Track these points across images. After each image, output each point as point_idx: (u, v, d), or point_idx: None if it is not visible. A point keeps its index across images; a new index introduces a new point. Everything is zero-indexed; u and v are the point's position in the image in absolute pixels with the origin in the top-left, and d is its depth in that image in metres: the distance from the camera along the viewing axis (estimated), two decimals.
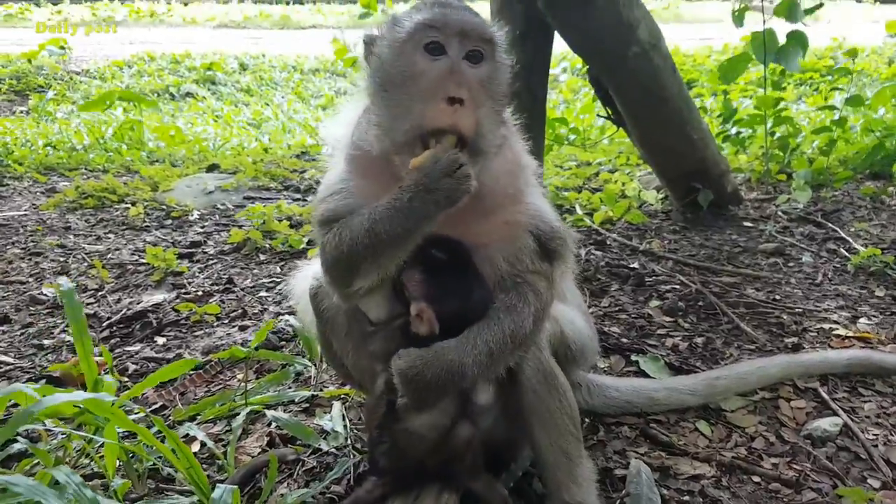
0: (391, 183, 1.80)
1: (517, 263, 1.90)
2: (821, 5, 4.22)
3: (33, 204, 5.57)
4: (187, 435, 2.31)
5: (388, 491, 1.95)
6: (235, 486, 1.79)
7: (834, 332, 3.18)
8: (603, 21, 3.76)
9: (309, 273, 2.29)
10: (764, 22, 4.38)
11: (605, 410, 2.56)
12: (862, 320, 3.30)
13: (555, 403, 1.97)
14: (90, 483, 2.06)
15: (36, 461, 2.08)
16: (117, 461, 2.08)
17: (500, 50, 1.86)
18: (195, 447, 2.33)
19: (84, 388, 2.30)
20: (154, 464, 2.15)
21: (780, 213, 4.81)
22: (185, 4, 21.72)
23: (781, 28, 4.68)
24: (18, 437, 2.15)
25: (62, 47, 12.81)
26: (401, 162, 1.78)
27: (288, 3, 22.16)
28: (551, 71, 4.25)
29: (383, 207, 1.76)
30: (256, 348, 2.74)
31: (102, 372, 2.69)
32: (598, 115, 5.80)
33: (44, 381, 2.73)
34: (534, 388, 1.95)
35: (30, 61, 12.15)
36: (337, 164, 1.99)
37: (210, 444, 2.17)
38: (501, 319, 1.84)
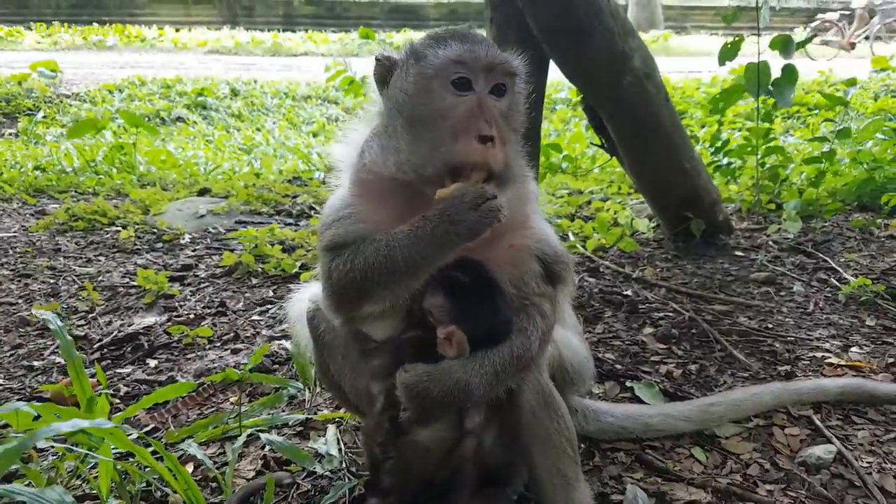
0: (402, 209, 1.82)
1: (523, 287, 1.93)
2: (813, 37, 4.30)
3: (23, 226, 5.54)
4: (182, 455, 2.28)
5: None
6: None
7: (826, 361, 3.19)
8: (599, 51, 3.82)
9: (305, 296, 2.29)
10: (759, 55, 4.46)
11: (600, 436, 2.55)
12: (853, 349, 3.33)
13: (553, 426, 1.97)
14: None
15: (27, 482, 2.05)
16: (111, 482, 2.05)
17: (520, 82, 1.90)
18: (189, 468, 2.31)
19: (78, 407, 2.27)
20: (148, 484, 2.13)
21: (770, 242, 4.86)
22: (177, 30, 21.81)
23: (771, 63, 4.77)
24: None
25: (53, 70, 12.83)
26: (429, 193, 1.80)
27: (280, 31, 22.29)
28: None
29: (404, 235, 1.78)
30: (251, 371, 2.73)
31: (95, 393, 2.68)
32: (591, 144, 5.86)
33: (35, 402, 2.69)
34: (533, 409, 1.95)
35: (20, 83, 12.14)
36: (343, 186, 2.00)
37: (209, 463, 2.15)
38: (511, 341, 1.86)
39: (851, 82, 5.46)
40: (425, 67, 1.81)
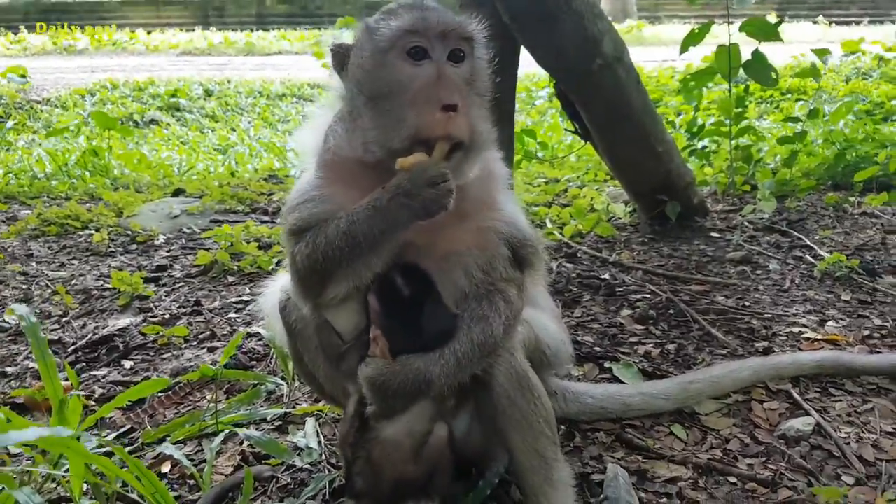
0: (370, 191, 1.80)
1: (491, 271, 1.90)
2: (781, 22, 4.32)
3: None
4: (159, 455, 2.25)
5: None
6: None
7: (803, 336, 3.22)
8: (568, 35, 3.81)
9: (277, 287, 2.26)
10: (729, 37, 4.47)
11: (580, 417, 2.55)
12: (830, 323, 3.35)
13: (529, 406, 1.94)
14: None
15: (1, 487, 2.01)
16: (85, 484, 2.02)
17: (479, 46, 1.88)
18: (166, 468, 2.28)
19: (49, 412, 2.23)
20: (120, 491, 2.09)
21: (746, 223, 4.89)
22: (149, 33, 21.58)
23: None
24: None
25: (23, 76, 12.63)
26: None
27: (253, 30, 22.12)
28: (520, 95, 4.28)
29: (362, 209, 1.77)
30: (226, 366, 2.69)
31: (68, 395, 2.63)
32: (565, 130, 5.86)
33: (7, 407, 2.64)
34: (506, 392, 1.92)
35: None
36: (308, 171, 1.97)
37: (186, 462, 2.11)
38: (470, 329, 1.84)
39: (823, 52, 5.44)
40: (379, 41, 1.79)
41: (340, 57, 1.91)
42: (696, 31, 4.72)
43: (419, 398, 1.81)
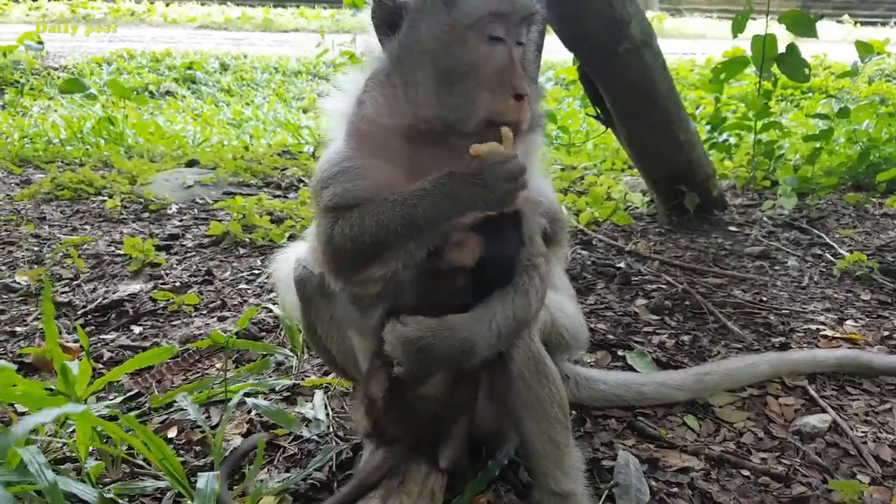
0: (406, 163, 1.77)
1: (529, 244, 1.87)
2: (820, 17, 4.22)
3: (7, 194, 5.44)
4: (166, 420, 2.23)
5: (395, 463, 1.90)
6: (218, 473, 1.72)
7: (821, 333, 3.16)
8: (596, 15, 3.74)
9: (290, 257, 2.22)
10: (766, 27, 4.38)
11: (592, 403, 2.51)
12: (848, 322, 3.30)
13: (544, 391, 1.91)
14: (62, 466, 1.98)
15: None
16: (89, 445, 2.00)
17: (535, 29, 1.87)
18: (172, 433, 2.26)
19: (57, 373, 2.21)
20: (124, 456, 2.07)
21: (765, 218, 4.82)
22: (167, 5, 21.49)
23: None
24: None
25: (40, 42, 12.60)
26: (452, 143, 1.75)
27: (271, 6, 22.00)
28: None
29: (426, 192, 1.70)
30: (237, 334, 2.67)
31: (77, 357, 2.62)
32: (586, 114, 5.79)
33: (16, 367, 2.63)
34: (522, 375, 1.89)
35: (4, 55, 11.93)
36: (337, 140, 1.89)
37: (202, 420, 2.09)
38: (514, 303, 1.81)
39: (868, 48, 5.27)
40: (461, 17, 1.71)
41: (388, 15, 1.78)
42: (740, 17, 4.61)
43: (456, 365, 1.78)
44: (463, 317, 1.75)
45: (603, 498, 2.03)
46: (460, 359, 1.75)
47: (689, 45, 15.90)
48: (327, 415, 2.39)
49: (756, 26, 4.54)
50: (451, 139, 1.75)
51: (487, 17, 1.71)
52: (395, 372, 1.77)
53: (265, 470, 2.10)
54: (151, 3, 21.22)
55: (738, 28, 4.35)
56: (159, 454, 1.84)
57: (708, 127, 6.14)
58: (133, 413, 2.35)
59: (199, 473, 1.74)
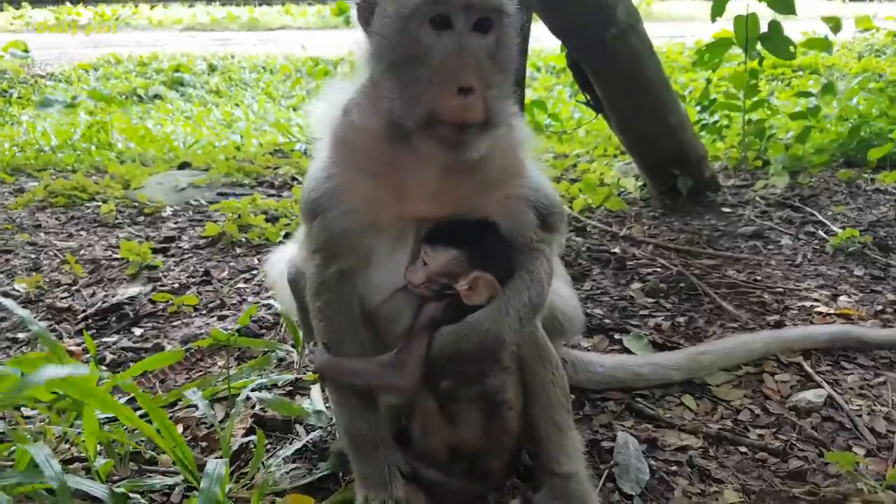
0: (388, 172, 1.80)
1: (521, 238, 1.90)
2: None
3: (1, 204, 5.43)
4: (171, 417, 2.26)
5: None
6: (226, 460, 1.75)
7: (815, 310, 3.20)
8: (582, 2, 3.76)
9: (283, 257, 2.29)
10: (748, 7, 4.39)
11: (590, 386, 2.54)
12: (842, 298, 3.33)
13: (547, 376, 1.95)
14: (71, 466, 2.00)
15: (14, 447, 2.01)
16: (98, 445, 2.03)
17: (508, 15, 1.72)
18: (178, 430, 2.28)
19: None
20: (135, 447, 2.10)
21: (758, 198, 4.86)
22: (152, 8, 21.41)
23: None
24: None
25: (25, 51, 12.55)
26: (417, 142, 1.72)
27: (256, 5, 21.93)
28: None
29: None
30: (238, 331, 2.70)
31: (81, 361, 2.64)
32: (576, 101, 5.81)
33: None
34: (527, 360, 1.93)
35: None
36: (322, 153, 1.90)
37: (209, 413, 2.13)
38: (529, 287, 1.85)
39: (833, 20, 5.24)
40: (401, 6, 1.66)
41: (365, 13, 1.77)
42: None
43: (490, 359, 1.82)
44: (481, 312, 1.80)
45: (603, 478, 2.06)
46: (489, 350, 1.79)
47: (678, 27, 15.90)
48: (328, 408, 2.41)
49: (739, 7, 4.54)
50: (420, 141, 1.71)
51: (425, 5, 1.62)
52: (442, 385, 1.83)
53: (270, 463, 2.12)
54: (136, 7, 21.12)
55: (717, 11, 4.35)
56: (171, 442, 1.86)
57: (698, 108, 6.16)
58: (138, 413, 2.36)
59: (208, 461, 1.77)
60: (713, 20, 4.55)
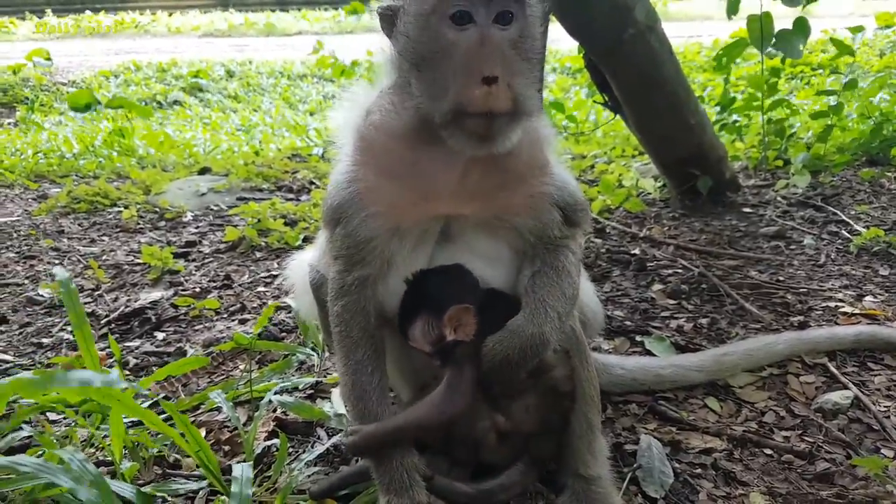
0: (410, 174, 1.79)
1: (544, 236, 1.90)
2: None
3: (25, 210, 5.51)
4: (194, 421, 2.27)
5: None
6: (251, 463, 1.76)
7: (840, 310, 3.16)
8: (600, 1, 3.74)
9: (304, 261, 2.29)
10: (762, 6, 4.35)
11: (611, 388, 2.52)
12: (867, 298, 3.29)
13: (584, 373, 1.96)
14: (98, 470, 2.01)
15: (41, 451, 2.03)
16: (123, 449, 2.04)
17: (531, 4, 1.72)
18: (201, 434, 2.29)
19: None
20: (160, 451, 2.11)
21: (779, 198, 4.81)
22: (170, 15, 21.62)
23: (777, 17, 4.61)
24: (23, 426, 2.11)
25: (47, 58, 12.72)
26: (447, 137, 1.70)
27: (273, 11, 22.08)
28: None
29: None
30: (259, 335, 2.71)
31: (106, 365, 2.66)
32: (594, 102, 5.78)
33: None
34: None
35: (15, 73, 12.06)
36: (345, 158, 1.90)
37: (233, 416, 2.14)
38: (560, 283, 1.86)
39: (857, 29, 5.30)
40: (422, 4, 1.68)
41: (389, 19, 1.77)
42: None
43: (535, 361, 1.80)
44: (520, 317, 1.80)
45: (626, 481, 2.04)
46: (536, 352, 1.78)
47: (696, 27, 15.82)
48: (348, 410, 2.41)
49: (753, 6, 4.48)
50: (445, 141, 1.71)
51: (446, 1, 1.64)
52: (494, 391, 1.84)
53: (293, 466, 2.13)
54: (154, 14, 21.35)
55: (731, 10, 4.29)
56: (196, 446, 1.87)
57: (717, 108, 6.12)
58: (161, 417, 2.38)
59: (233, 466, 1.78)
60: (729, 17, 4.49)
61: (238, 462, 1.95)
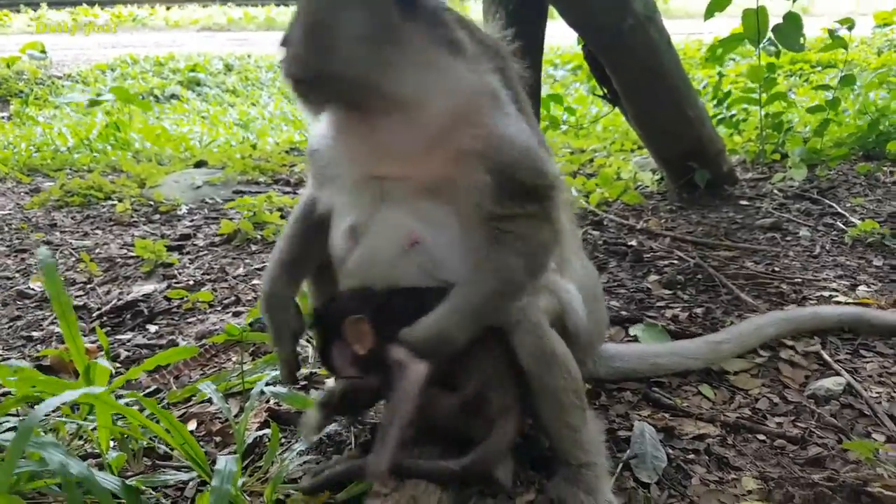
0: (340, 134, 1.80)
1: (475, 213, 1.69)
2: None
3: (17, 203, 5.49)
4: (185, 413, 2.26)
5: None
6: (238, 456, 1.74)
7: (834, 300, 3.15)
8: None
9: None
10: (757, 1, 4.34)
11: (608, 377, 2.52)
12: (861, 288, 3.29)
13: (558, 382, 1.81)
14: (84, 462, 2.00)
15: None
16: (112, 441, 2.04)
17: None
18: (192, 426, 2.29)
19: (76, 374, 2.24)
20: (149, 443, 2.10)
21: (775, 191, 4.81)
22: (168, 8, 21.56)
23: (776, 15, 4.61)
24: (10, 419, 2.10)
25: (42, 52, 12.68)
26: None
27: (273, 5, 22.02)
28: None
29: None
30: (251, 324, 2.70)
31: (95, 358, 2.64)
32: (593, 95, 5.77)
33: (36, 370, 2.66)
34: (533, 373, 1.80)
35: (9, 66, 12.02)
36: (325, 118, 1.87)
37: (225, 408, 2.12)
38: (486, 280, 1.72)
39: (846, 21, 5.29)
40: None
41: None
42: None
43: (448, 354, 1.74)
44: (435, 311, 1.72)
45: (620, 466, 2.03)
46: (444, 348, 1.71)
47: (696, 24, 15.75)
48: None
49: (748, 1, 4.47)
50: None
51: None
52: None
53: (284, 456, 2.12)
54: (153, 8, 21.29)
55: (712, 10, 4.23)
56: (181, 439, 1.86)
57: (714, 102, 6.11)
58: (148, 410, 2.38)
59: (217, 458, 1.76)
60: (706, 19, 4.42)
61: (227, 454, 1.94)
